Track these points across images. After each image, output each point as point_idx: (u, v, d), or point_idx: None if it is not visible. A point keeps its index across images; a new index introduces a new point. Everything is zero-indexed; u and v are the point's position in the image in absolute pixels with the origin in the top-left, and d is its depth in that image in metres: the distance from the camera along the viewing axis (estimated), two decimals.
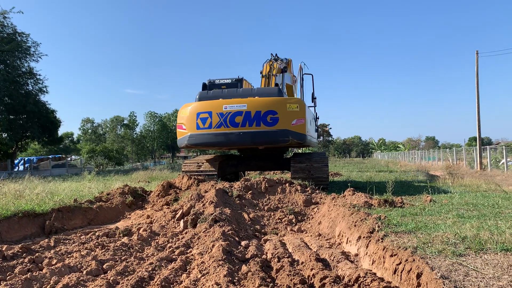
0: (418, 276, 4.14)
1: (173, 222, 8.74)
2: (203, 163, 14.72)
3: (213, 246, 6.25)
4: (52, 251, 6.59)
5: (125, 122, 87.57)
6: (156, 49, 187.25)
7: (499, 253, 4.42)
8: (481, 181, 15.55)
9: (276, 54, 15.88)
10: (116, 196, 11.81)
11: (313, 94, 17.54)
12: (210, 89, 14.13)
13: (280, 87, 14.99)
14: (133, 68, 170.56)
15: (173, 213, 9.09)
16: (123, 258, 6.24)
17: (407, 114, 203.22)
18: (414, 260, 4.40)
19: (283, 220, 9.38)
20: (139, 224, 8.86)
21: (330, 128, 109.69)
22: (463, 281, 3.76)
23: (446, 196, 10.27)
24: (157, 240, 7.37)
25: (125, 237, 7.50)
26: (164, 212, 9.46)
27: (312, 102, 17.34)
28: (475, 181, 15.42)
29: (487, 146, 28.01)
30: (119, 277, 5.27)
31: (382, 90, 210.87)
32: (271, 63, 15.64)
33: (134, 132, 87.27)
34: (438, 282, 3.76)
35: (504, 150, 25.75)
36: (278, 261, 5.82)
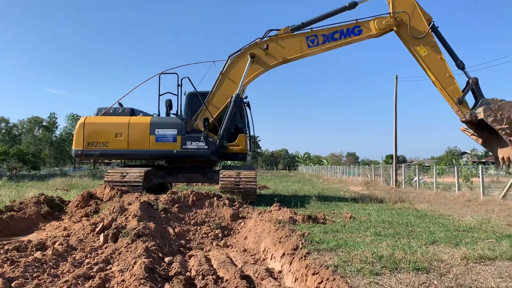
0: None
1: (93, 235, 8.30)
2: (127, 173, 14.16)
3: (135, 263, 6.01)
4: None
5: (44, 123, 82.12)
6: (83, 49, 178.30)
7: (411, 272, 4.74)
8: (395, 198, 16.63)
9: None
10: (30, 205, 10.94)
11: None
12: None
13: None
14: (54, 66, 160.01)
15: (93, 226, 8.63)
16: (35, 275, 5.78)
17: (331, 130, 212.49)
18: (335, 279, 4.56)
19: (209, 234, 9.30)
20: (54, 237, 8.30)
21: (259, 140, 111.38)
22: None
23: (364, 213, 10.83)
24: (74, 255, 6.95)
25: (38, 252, 6.97)
26: (83, 225, 8.96)
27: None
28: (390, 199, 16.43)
29: (402, 164, 30.07)
30: None
31: (308, 106, 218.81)
32: None
33: (54, 135, 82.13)
34: None
35: (416, 168, 27.77)
36: (203, 279, 5.75)
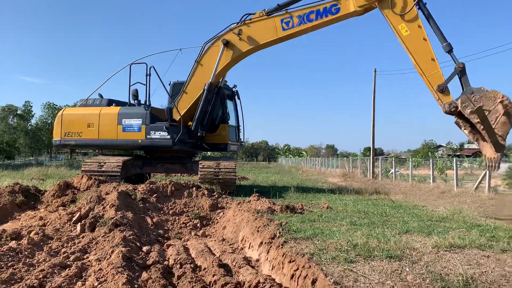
0: (313, 282, 4.40)
1: (69, 225, 8.22)
2: (105, 163, 14.03)
3: (112, 252, 6.00)
4: None
5: (19, 112, 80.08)
6: (60, 37, 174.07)
7: (384, 260, 4.88)
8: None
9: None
10: (4, 194, 10.72)
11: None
12: None
13: None
14: (29, 53, 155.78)
15: (70, 215, 8.54)
16: (9, 264, 5.72)
17: (311, 123, 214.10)
18: (310, 266, 4.66)
19: (187, 224, 9.33)
20: (30, 226, 8.18)
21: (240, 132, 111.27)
22: (353, 287, 4.09)
23: (341, 203, 11.02)
24: (50, 245, 6.88)
25: (13, 241, 6.87)
26: (60, 214, 8.85)
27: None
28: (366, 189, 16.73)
29: (379, 157, 30.59)
30: (4, 286, 4.84)
31: (289, 98, 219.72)
32: None
33: (29, 124, 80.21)
34: (330, 287, 4.04)
35: (393, 161, 28.30)
36: (180, 267, 5.79)
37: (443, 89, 10.95)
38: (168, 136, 14.01)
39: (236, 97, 17.00)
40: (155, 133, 14.19)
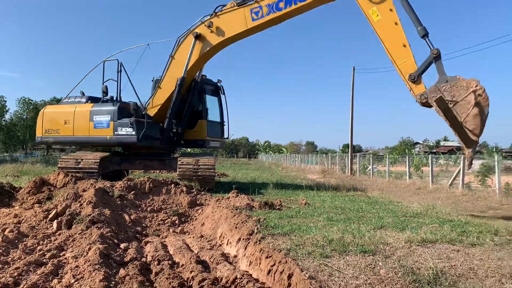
0: (289, 277, 4.49)
1: (45, 222, 8.11)
2: (82, 159, 13.86)
3: (89, 249, 5.97)
4: None
5: None
6: (35, 32, 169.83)
7: (358, 255, 5.00)
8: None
9: None
10: None
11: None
12: None
13: None
14: (1, 46, 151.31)
15: (46, 212, 8.43)
16: None
17: (291, 120, 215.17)
18: (286, 261, 4.75)
19: (166, 221, 9.31)
20: (4, 224, 8.04)
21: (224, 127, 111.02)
22: (327, 281, 4.18)
23: (319, 199, 11.17)
24: (25, 242, 6.78)
25: None
26: (35, 212, 8.72)
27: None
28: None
29: (357, 154, 31.05)
30: None
31: (269, 95, 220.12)
32: None
33: (3, 119, 78.32)
34: (306, 282, 4.13)
35: (371, 158, 28.77)
36: (158, 264, 5.80)
37: (415, 78, 9.85)
38: (133, 132, 13.84)
39: (220, 92, 16.77)
40: (121, 129, 14.10)
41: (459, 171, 17.61)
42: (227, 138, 17.46)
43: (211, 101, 16.80)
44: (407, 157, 24.09)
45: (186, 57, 13.92)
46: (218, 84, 16.76)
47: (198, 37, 13.73)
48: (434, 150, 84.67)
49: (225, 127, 17.14)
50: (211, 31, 13.55)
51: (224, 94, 16.87)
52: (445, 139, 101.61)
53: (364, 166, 29.98)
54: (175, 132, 15.18)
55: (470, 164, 9.70)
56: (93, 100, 15.32)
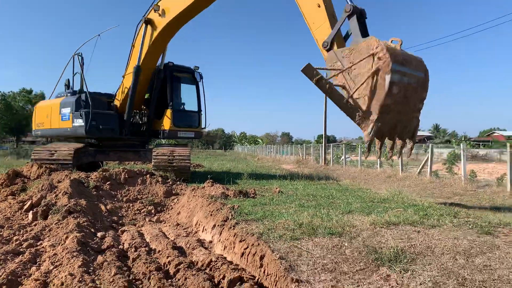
0: (262, 258, 4.77)
1: (20, 213, 8.15)
2: (56, 151, 13.77)
3: (66, 237, 6.10)
4: None
5: None
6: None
7: (326, 237, 5.31)
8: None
9: None
10: None
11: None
12: None
13: None
14: None
15: (21, 203, 8.46)
16: None
17: (267, 111, 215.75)
18: (259, 244, 5.02)
19: (142, 211, 9.45)
20: None
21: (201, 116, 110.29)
22: (297, 260, 4.47)
23: (292, 187, 11.49)
24: (1, 233, 6.84)
25: None
26: (10, 203, 8.73)
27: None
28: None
29: (331, 144, 31.64)
30: None
31: (246, 86, 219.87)
32: None
33: None
34: (277, 262, 4.41)
35: (344, 148, 29.39)
36: (135, 251, 5.98)
37: (327, 46, 8.04)
38: (83, 124, 14.04)
39: (198, 80, 16.14)
40: (76, 121, 14.41)
41: (427, 160, 18.30)
42: (204, 128, 16.75)
43: (187, 89, 16.32)
44: None
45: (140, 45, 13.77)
46: (196, 71, 16.16)
47: (148, 22, 13.45)
48: None
49: (202, 116, 16.36)
50: (159, 15, 13.09)
51: (201, 81, 16.23)
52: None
53: (337, 156, 30.62)
54: (140, 122, 15.17)
55: (367, 151, 7.79)
56: (73, 93, 15.42)
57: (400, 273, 4.05)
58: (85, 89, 14.55)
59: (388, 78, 6.73)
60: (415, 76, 7.26)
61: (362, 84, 7.03)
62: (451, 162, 18.39)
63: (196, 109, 16.31)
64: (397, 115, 7.40)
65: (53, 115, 15.53)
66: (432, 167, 17.91)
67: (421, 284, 3.78)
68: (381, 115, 7.05)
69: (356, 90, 7.17)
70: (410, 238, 5.30)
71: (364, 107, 7.19)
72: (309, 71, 7.27)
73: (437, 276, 3.97)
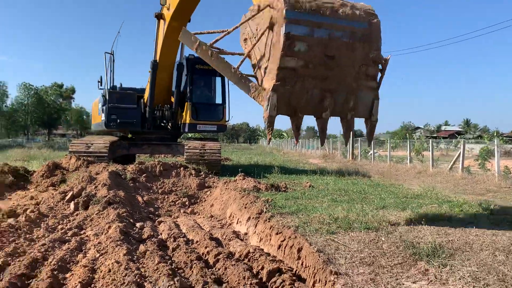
0: (299, 250, 4.88)
1: (63, 203, 8.50)
2: (92, 144, 14.22)
3: (109, 227, 6.36)
4: None
5: None
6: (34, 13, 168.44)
7: (362, 231, 5.38)
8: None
9: None
10: None
11: None
12: None
13: None
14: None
15: (62, 194, 8.81)
16: (11, 239, 6.02)
17: None
18: (296, 237, 5.14)
19: (176, 202, 9.71)
20: (24, 205, 8.44)
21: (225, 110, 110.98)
22: (334, 254, 4.57)
23: (322, 182, 11.54)
24: (46, 222, 7.18)
25: (11, 219, 7.15)
26: (52, 194, 9.11)
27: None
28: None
29: (359, 138, 31.28)
30: (10, 258, 5.16)
31: None
32: None
33: (4, 105, 78.35)
34: (314, 255, 4.51)
35: (372, 142, 29.04)
36: (174, 241, 6.19)
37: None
38: (103, 118, 14.80)
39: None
40: (102, 115, 15.23)
41: (459, 155, 17.94)
42: (228, 121, 16.24)
43: (210, 82, 16.16)
44: (408, 142, 24.38)
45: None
46: None
47: (160, 17, 13.43)
48: (435, 135, 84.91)
49: (226, 109, 15.88)
50: (167, 9, 12.85)
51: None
52: (446, 124, 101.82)
53: (365, 150, 30.29)
54: (165, 116, 15.37)
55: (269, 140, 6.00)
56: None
57: (438, 267, 4.09)
58: (117, 85, 15.18)
59: (282, 29, 5.08)
60: (347, 27, 5.40)
61: (255, 44, 5.63)
62: (483, 158, 17.97)
63: (219, 101, 16.10)
64: (321, 83, 5.55)
65: (94, 111, 17.35)
66: (464, 163, 17.55)
67: (460, 279, 3.82)
68: (281, 82, 5.31)
69: (257, 57, 5.68)
70: (447, 234, 5.31)
71: (259, 76, 5.69)
72: (186, 38, 6.10)
73: (476, 271, 3.99)
